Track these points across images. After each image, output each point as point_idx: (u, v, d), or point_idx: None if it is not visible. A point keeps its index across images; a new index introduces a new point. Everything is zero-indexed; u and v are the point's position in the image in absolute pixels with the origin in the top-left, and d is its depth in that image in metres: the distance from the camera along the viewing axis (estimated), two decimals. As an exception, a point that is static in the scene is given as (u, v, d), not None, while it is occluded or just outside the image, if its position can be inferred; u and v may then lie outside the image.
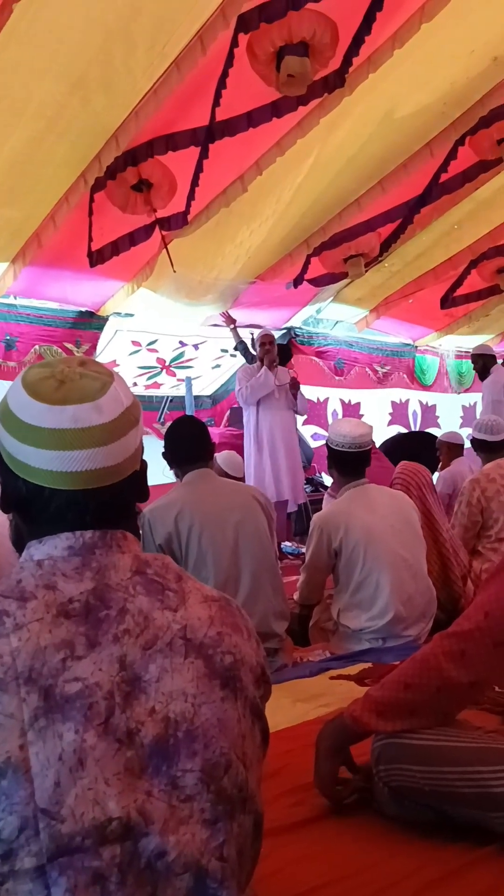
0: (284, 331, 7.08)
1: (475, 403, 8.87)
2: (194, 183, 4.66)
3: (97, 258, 5.06)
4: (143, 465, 1.03)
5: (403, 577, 3.03)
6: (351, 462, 3.15)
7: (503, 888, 1.32)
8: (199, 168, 4.56)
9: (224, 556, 2.75)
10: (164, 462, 3.02)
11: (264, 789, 1.79)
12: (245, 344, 6.39)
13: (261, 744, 0.99)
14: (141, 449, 1.02)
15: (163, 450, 2.97)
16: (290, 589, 3.55)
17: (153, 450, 2.99)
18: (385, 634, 2.98)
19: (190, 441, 2.96)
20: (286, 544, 5.52)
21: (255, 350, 6.09)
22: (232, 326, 6.33)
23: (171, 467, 2.99)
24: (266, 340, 5.81)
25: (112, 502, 0.98)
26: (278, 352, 6.31)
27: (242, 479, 4.61)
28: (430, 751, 1.52)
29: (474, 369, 7.06)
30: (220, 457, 4.58)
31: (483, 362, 6.76)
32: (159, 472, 3.26)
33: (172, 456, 2.97)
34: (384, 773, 1.57)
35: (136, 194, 4.70)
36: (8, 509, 1.01)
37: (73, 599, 0.90)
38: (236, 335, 6.38)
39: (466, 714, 2.14)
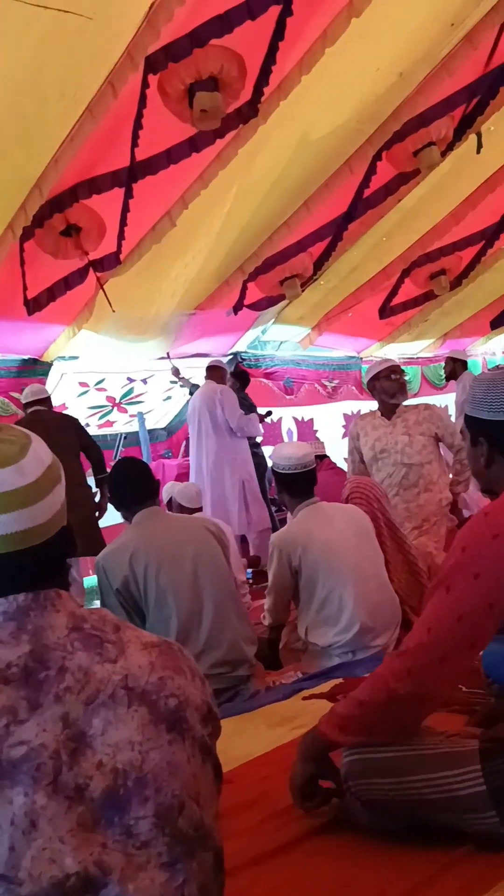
0: (231, 356, 7.14)
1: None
2: (123, 223, 4.71)
3: (34, 306, 5.07)
4: (69, 520, 1.06)
5: (366, 588, 3.07)
6: (299, 482, 3.20)
7: (480, 887, 1.35)
8: (125, 208, 4.61)
9: (184, 590, 2.77)
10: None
11: (246, 818, 1.83)
12: (196, 385, 6.45)
13: (214, 780, 1.01)
14: (65, 506, 1.05)
15: (108, 495, 2.98)
16: (258, 613, 3.58)
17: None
18: (354, 647, 3.01)
19: (134, 481, 2.98)
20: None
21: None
22: (180, 376, 6.44)
23: (119, 510, 3.01)
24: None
25: (43, 561, 1.00)
26: (237, 379, 6.43)
27: (199, 510, 4.62)
28: (396, 762, 1.55)
29: (444, 371, 7.44)
30: (177, 488, 4.60)
31: (453, 366, 7.30)
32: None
33: (119, 499, 2.99)
34: (354, 788, 1.61)
35: (65, 239, 4.73)
36: None
37: (11, 664, 0.91)
38: (185, 382, 6.47)
39: (435, 716, 2.19)
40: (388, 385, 4.38)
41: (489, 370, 1.99)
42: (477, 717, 1.89)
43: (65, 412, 5.59)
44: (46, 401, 5.19)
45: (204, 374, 6.23)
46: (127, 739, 0.91)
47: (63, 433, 4.87)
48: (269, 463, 3.73)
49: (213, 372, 6.19)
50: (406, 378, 4.57)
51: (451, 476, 4.43)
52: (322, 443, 5.55)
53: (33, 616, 0.97)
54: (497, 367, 6.62)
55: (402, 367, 8.39)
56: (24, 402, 5.19)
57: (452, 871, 1.44)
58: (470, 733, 1.64)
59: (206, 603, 2.81)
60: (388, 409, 4.42)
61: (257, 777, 2.01)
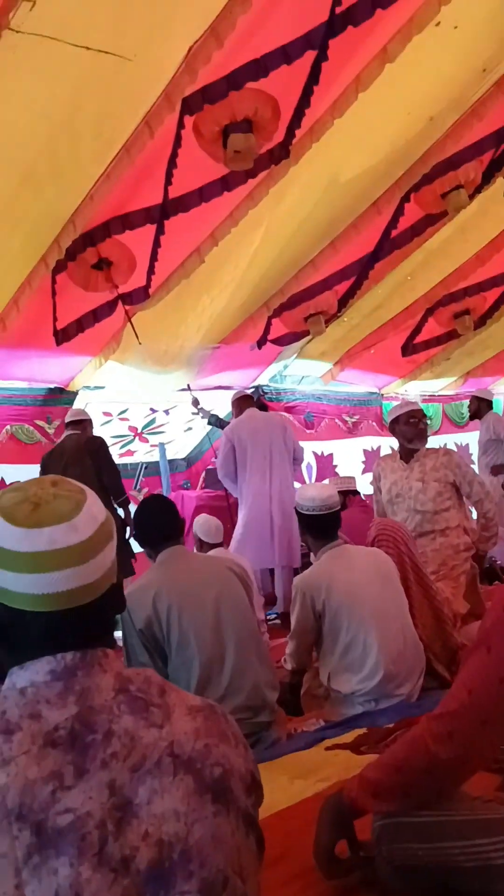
0: (253, 389, 7.15)
1: (444, 445, 8.99)
2: (153, 258, 4.76)
3: (63, 336, 5.12)
4: (119, 577, 1.05)
5: (389, 634, 3.03)
6: (323, 524, 3.19)
7: None
8: (156, 244, 4.66)
9: (206, 632, 2.74)
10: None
11: (269, 877, 1.79)
12: (216, 416, 6.46)
13: (257, 853, 0.99)
14: (116, 563, 1.04)
15: (133, 532, 2.97)
16: (279, 653, 3.53)
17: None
18: (377, 695, 2.97)
19: (159, 519, 2.97)
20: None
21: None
22: (199, 407, 6.43)
23: (143, 548, 3.00)
24: None
25: (91, 619, 0.99)
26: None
27: (220, 545, 4.60)
28: (431, 827, 1.52)
29: (469, 409, 7.41)
30: (196, 522, 4.59)
31: (478, 405, 7.26)
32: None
33: (144, 537, 2.97)
34: (386, 852, 1.57)
35: (96, 273, 4.78)
36: None
37: (58, 727, 0.90)
38: (204, 412, 6.46)
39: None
40: (406, 430, 4.38)
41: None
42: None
43: (94, 435, 5.53)
44: (79, 424, 5.38)
45: (235, 406, 6.05)
46: (172, 810, 0.89)
47: (84, 456, 5.14)
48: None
49: (249, 401, 6.06)
50: (426, 422, 4.53)
51: (475, 527, 4.36)
52: (352, 478, 5.48)
53: (81, 676, 0.96)
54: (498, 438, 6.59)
55: (424, 405, 8.44)
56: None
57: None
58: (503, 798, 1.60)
59: (227, 646, 2.78)
60: (407, 453, 4.40)
61: (281, 832, 1.96)
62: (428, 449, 4.38)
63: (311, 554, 3.50)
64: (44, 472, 5.28)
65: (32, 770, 0.86)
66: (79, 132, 3.87)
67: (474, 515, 4.48)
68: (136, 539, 3.00)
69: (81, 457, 5.19)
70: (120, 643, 2.87)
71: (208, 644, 2.73)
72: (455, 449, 9.05)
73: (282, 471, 5.69)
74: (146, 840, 0.87)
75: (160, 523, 2.98)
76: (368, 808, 1.57)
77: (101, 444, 5.31)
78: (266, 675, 2.86)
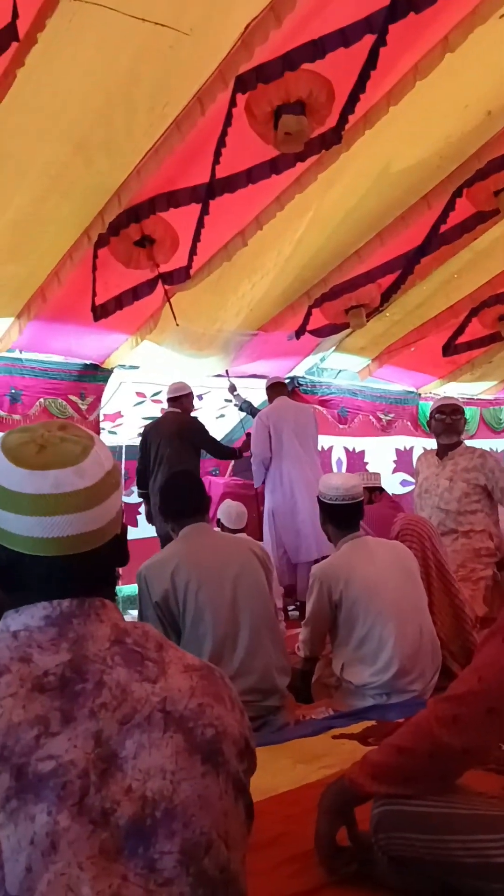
0: (287, 380, 7.10)
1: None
2: (196, 238, 4.72)
3: (101, 312, 5.12)
4: (124, 528, 1.02)
5: (407, 629, 2.98)
6: (345, 514, 3.14)
7: None
8: (200, 224, 4.63)
9: (222, 611, 2.72)
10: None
11: (263, 858, 1.76)
12: (249, 403, 6.42)
13: (245, 820, 0.95)
14: (122, 513, 1.01)
15: (159, 505, 2.95)
16: (295, 642, 3.50)
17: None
18: (389, 689, 2.92)
19: (186, 494, 2.95)
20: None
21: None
22: (235, 393, 6.39)
23: (167, 522, 2.98)
24: None
25: (93, 568, 0.97)
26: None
27: (242, 531, 4.57)
28: (431, 818, 1.47)
29: None
30: (220, 507, 4.57)
31: None
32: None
33: (168, 510, 2.96)
34: (384, 841, 1.53)
35: (138, 250, 4.76)
36: None
37: (48, 672, 0.88)
38: (239, 398, 6.43)
39: (470, 775, 2.09)
40: (434, 425, 4.37)
41: None
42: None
43: (191, 418, 5.81)
44: (177, 400, 5.77)
45: (269, 391, 6.08)
46: (159, 767, 0.86)
47: (175, 438, 5.53)
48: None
49: (284, 389, 6.04)
50: (456, 417, 4.42)
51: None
52: (377, 474, 5.40)
53: (76, 624, 0.93)
54: None
55: (465, 408, 8.34)
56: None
57: (480, 944, 1.35)
58: (509, 797, 1.55)
59: (242, 626, 2.76)
60: (441, 449, 4.35)
61: (280, 815, 1.94)
62: (466, 448, 4.31)
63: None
64: (143, 445, 5.70)
65: (18, 713, 0.84)
66: (134, 104, 3.85)
67: None
68: (160, 512, 2.99)
69: (172, 438, 5.57)
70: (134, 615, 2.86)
71: (223, 622, 2.71)
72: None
73: (312, 461, 5.62)
74: (129, 795, 0.84)
75: (186, 498, 2.97)
76: (368, 790, 1.53)
77: (197, 428, 5.69)
78: (278, 660, 2.83)
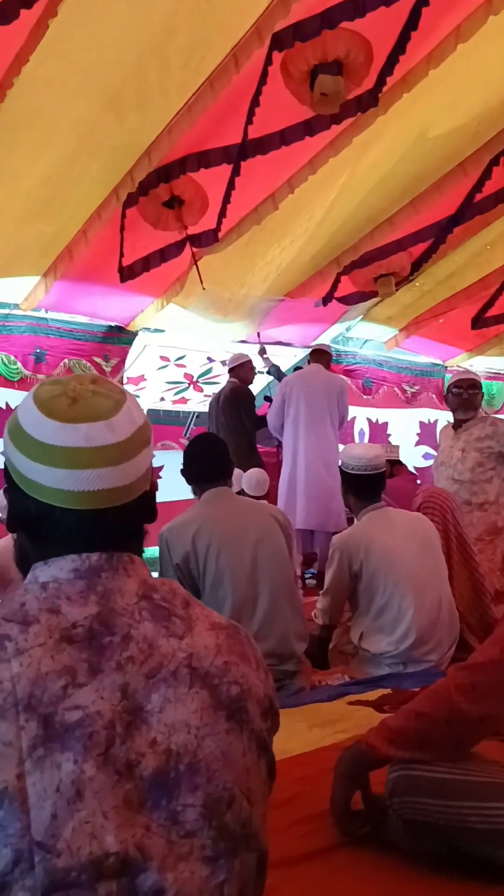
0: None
1: None
2: (226, 200, 4.67)
3: (128, 273, 5.09)
4: (153, 485, 1.01)
5: (426, 600, 2.98)
6: (367, 484, 3.12)
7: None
8: (230, 186, 4.57)
9: (242, 575, 2.73)
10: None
11: (276, 817, 1.77)
12: (277, 367, 6.38)
13: (266, 778, 0.95)
14: (151, 469, 1.01)
15: (181, 466, 2.95)
16: (310, 609, 3.51)
17: (179, 465, 2.99)
18: (406, 659, 2.93)
19: (209, 458, 2.95)
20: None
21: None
22: (265, 356, 6.35)
23: (190, 484, 2.98)
24: None
25: (121, 523, 0.96)
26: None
27: (264, 498, 4.57)
28: (445, 784, 1.48)
29: None
30: (244, 475, 4.56)
31: None
32: (187, 489, 3.22)
33: (191, 473, 2.95)
34: (398, 805, 1.54)
35: (167, 210, 4.72)
36: (15, 529, 1.00)
37: (76, 624, 0.88)
38: (268, 361, 6.39)
39: (486, 745, 2.09)
40: (451, 399, 4.34)
41: None
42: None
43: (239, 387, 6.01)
44: (233, 370, 6.03)
45: (310, 355, 6.00)
46: (184, 721, 0.86)
47: (227, 408, 5.86)
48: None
49: (323, 356, 5.91)
50: (473, 392, 4.36)
51: None
52: (396, 447, 5.37)
53: (104, 578, 0.93)
54: None
55: (488, 382, 8.22)
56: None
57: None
58: (526, 769, 1.55)
59: (261, 591, 2.76)
60: (456, 423, 4.34)
61: (294, 777, 1.95)
62: (479, 418, 4.28)
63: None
64: (208, 414, 6.15)
65: (46, 663, 0.84)
66: (168, 60, 3.79)
67: None
68: (183, 475, 2.98)
69: (226, 407, 5.93)
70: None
71: (242, 586, 2.72)
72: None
73: (324, 432, 5.45)
74: (154, 748, 0.84)
75: (209, 462, 2.97)
76: (385, 754, 1.54)
77: (241, 398, 5.90)
78: (296, 626, 2.84)
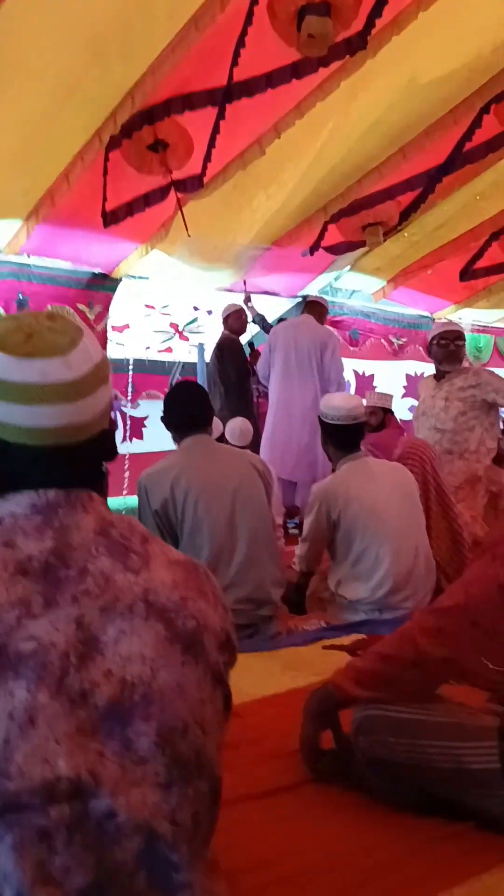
0: (300, 299, 6.99)
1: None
2: (211, 144, 4.56)
3: (111, 218, 5.00)
4: (112, 424, 1.01)
5: (403, 548, 3.02)
6: (346, 434, 3.13)
7: (469, 865, 1.31)
8: (216, 129, 4.46)
9: (220, 522, 2.75)
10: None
11: (248, 753, 1.82)
12: (262, 317, 6.34)
13: (222, 709, 0.97)
14: (110, 407, 1.00)
15: (161, 413, 2.95)
16: (291, 558, 3.55)
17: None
18: (381, 606, 2.97)
19: (189, 406, 2.94)
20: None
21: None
22: (249, 304, 6.30)
23: (170, 431, 2.98)
24: None
25: (78, 461, 0.97)
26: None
27: (247, 448, 4.57)
28: (410, 723, 1.52)
29: None
30: (227, 424, 4.56)
31: None
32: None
33: (171, 420, 2.95)
34: (363, 744, 1.58)
35: (151, 154, 4.62)
36: None
37: (31, 557, 0.89)
38: (253, 311, 6.34)
39: (457, 689, 2.14)
40: (436, 350, 4.34)
41: None
42: (498, 696, 1.83)
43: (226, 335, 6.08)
44: (225, 320, 6.12)
45: (303, 307, 6.04)
46: (139, 653, 0.88)
47: (218, 360, 5.97)
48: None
49: (315, 308, 5.91)
50: (460, 344, 4.38)
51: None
52: (389, 396, 5.32)
53: (62, 514, 0.94)
54: None
55: (475, 335, 8.19)
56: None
57: (450, 844, 1.40)
58: (490, 709, 1.60)
59: (240, 538, 2.79)
60: (439, 374, 4.35)
61: (267, 715, 2.00)
62: (462, 369, 4.29)
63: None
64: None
65: (0, 594, 0.85)
66: (153, 11, 3.68)
67: None
68: (163, 422, 2.98)
69: (214, 357, 6.08)
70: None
71: (220, 533, 2.74)
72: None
73: (308, 384, 5.46)
74: (108, 678, 0.86)
75: (189, 409, 2.97)
76: (351, 694, 1.58)
77: (227, 348, 5.98)
78: (273, 572, 2.88)
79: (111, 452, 1.02)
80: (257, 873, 1.27)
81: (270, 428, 5.48)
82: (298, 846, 1.38)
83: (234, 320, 6.10)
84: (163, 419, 2.99)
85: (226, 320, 6.12)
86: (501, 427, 4.35)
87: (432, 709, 1.53)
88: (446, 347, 4.25)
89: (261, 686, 2.21)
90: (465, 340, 4.41)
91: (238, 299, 6.37)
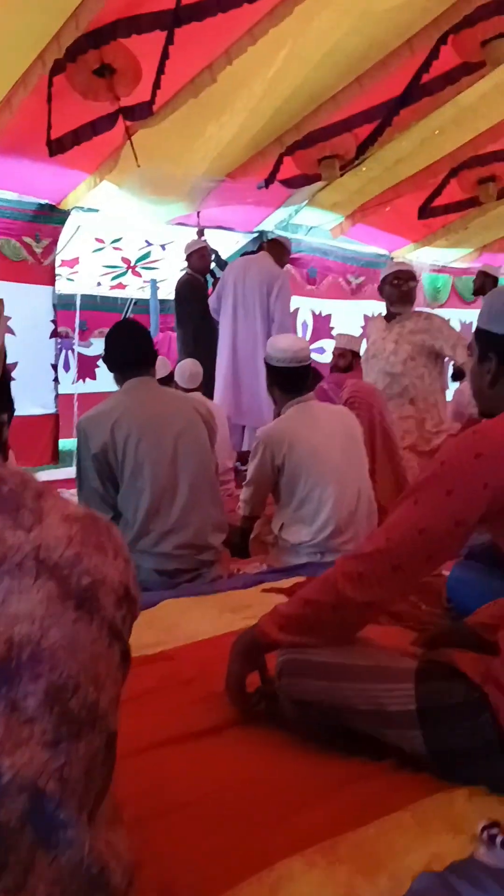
0: (256, 234, 6.86)
1: (448, 320, 8.79)
2: (160, 71, 4.38)
3: (57, 147, 4.81)
4: (6, 372, 0.97)
5: (345, 491, 3.03)
6: (292, 378, 3.09)
7: (382, 804, 1.35)
8: (164, 55, 4.28)
9: (162, 466, 2.73)
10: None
11: (176, 696, 1.83)
12: (216, 252, 6.20)
13: (119, 664, 0.96)
14: (3, 352, 0.96)
15: (103, 354, 2.89)
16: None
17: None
18: (323, 548, 3.00)
19: (131, 346, 2.88)
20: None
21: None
22: (203, 239, 6.14)
23: (111, 371, 2.92)
24: None
25: None
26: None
27: (196, 391, 4.52)
28: (330, 667, 1.54)
29: (474, 284, 7.15)
30: (177, 366, 4.51)
31: (483, 280, 6.87)
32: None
33: (112, 361, 2.89)
34: (286, 686, 1.60)
35: (98, 80, 4.42)
36: None
37: None
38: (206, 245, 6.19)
39: (387, 629, 2.18)
40: (389, 291, 4.30)
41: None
42: (423, 637, 1.87)
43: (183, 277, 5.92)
44: (187, 259, 5.94)
45: (258, 245, 5.94)
46: (28, 612, 0.86)
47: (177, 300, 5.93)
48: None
49: (276, 248, 5.79)
50: (412, 285, 4.35)
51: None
52: (360, 338, 5.25)
53: None
54: None
55: (433, 275, 8.15)
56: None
57: (366, 783, 1.43)
58: (411, 652, 1.62)
59: (181, 482, 2.77)
60: (390, 315, 4.31)
61: (199, 657, 2.02)
62: (414, 312, 4.26)
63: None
64: None
65: None
66: None
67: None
68: (105, 361, 2.92)
69: (175, 300, 5.98)
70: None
71: (162, 476, 2.72)
72: (459, 326, 8.88)
73: (254, 326, 5.38)
74: None
75: (130, 348, 2.91)
76: (275, 638, 1.59)
77: (184, 288, 5.86)
78: (215, 516, 2.87)
79: (6, 403, 0.98)
80: (169, 816, 1.29)
81: (222, 371, 5.42)
82: (216, 788, 1.40)
83: (198, 259, 5.90)
84: (104, 359, 2.93)
85: (189, 258, 5.93)
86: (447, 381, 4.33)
87: (353, 652, 1.55)
88: (399, 287, 4.21)
89: (197, 629, 2.23)
90: (417, 282, 4.37)
91: (191, 232, 6.22)
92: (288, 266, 6.78)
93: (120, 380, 2.92)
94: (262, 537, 3.23)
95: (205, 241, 6.12)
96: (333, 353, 5.41)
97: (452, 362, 4.32)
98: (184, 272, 6.01)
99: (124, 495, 2.73)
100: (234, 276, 5.47)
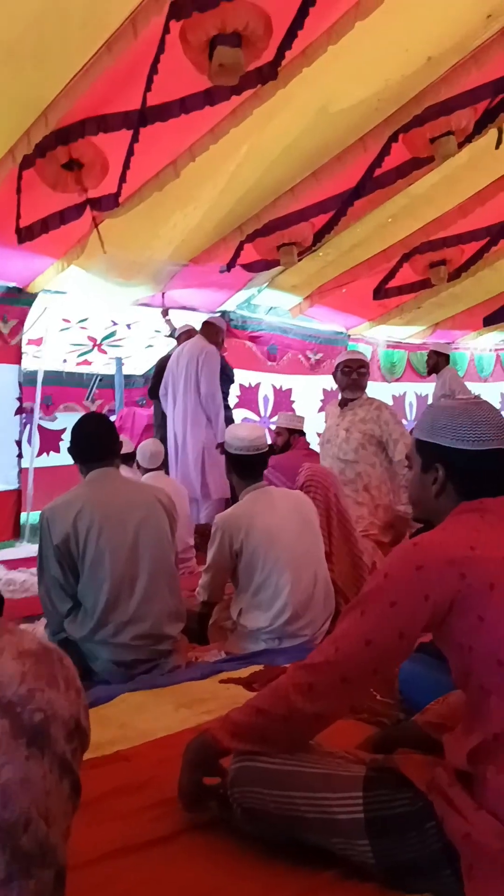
0: (218, 314, 7.05)
1: (405, 393, 9.08)
2: (126, 166, 4.57)
3: (26, 235, 4.94)
4: None
5: (302, 577, 3.10)
6: (249, 465, 3.20)
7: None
8: (130, 151, 4.47)
9: (122, 555, 2.78)
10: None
11: (127, 803, 1.85)
12: (175, 329, 6.38)
13: (70, 796, 1.01)
14: None
15: (68, 446, 2.96)
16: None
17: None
18: (281, 634, 3.05)
19: (95, 439, 2.96)
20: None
21: None
22: (167, 318, 6.34)
23: (76, 462, 2.99)
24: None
25: None
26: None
27: (160, 469, 4.60)
28: (281, 775, 1.58)
29: (427, 363, 7.41)
30: (139, 446, 4.58)
31: (436, 359, 7.27)
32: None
33: (77, 453, 2.97)
34: (238, 794, 1.63)
35: (66, 173, 4.59)
36: None
37: None
38: (170, 323, 6.38)
39: (340, 725, 2.22)
40: (340, 378, 4.48)
41: (451, 399, 1.95)
42: (374, 739, 1.92)
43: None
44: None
45: (198, 328, 6.13)
46: None
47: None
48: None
49: (207, 328, 6.03)
50: (363, 372, 4.53)
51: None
52: (301, 418, 5.44)
53: None
54: (452, 394, 6.62)
55: (389, 351, 8.40)
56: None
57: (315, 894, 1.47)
58: (359, 758, 1.67)
59: (141, 571, 2.82)
60: (342, 401, 4.47)
61: (153, 759, 2.04)
62: (366, 399, 4.41)
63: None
64: None
65: None
66: (68, 17, 3.65)
67: None
68: (70, 452, 2.99)
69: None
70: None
71: (121, 566, 2.77)
72: (415, 398, 9.11)
73: (184, 403, 5.69)
74: None
75: (95, 443, 2.98)
76: (227, 746, 1.63)
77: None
78: (173, 607, 2.91)
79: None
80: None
81: (169, 450, 5.65)
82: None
83: (187, 337, 6.16)
84: (69, 451, 3.00)
85: (180, 339, 6.20)
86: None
87: (302, 759, 1.59)
88: (349, 375, 4.37)
89: (152, 727, 2.24)
90: (368, 368, 4.55)
91: (156, 313, 6.41)
92: (247, 342, 7.04)
93: (84, 471, 2.98)
94: (221, 622, 3.27)
95: (165, 318, 6.45)
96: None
97: None
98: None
99: (84, 585, 2.77)
100: (170, 363, 5.87)
